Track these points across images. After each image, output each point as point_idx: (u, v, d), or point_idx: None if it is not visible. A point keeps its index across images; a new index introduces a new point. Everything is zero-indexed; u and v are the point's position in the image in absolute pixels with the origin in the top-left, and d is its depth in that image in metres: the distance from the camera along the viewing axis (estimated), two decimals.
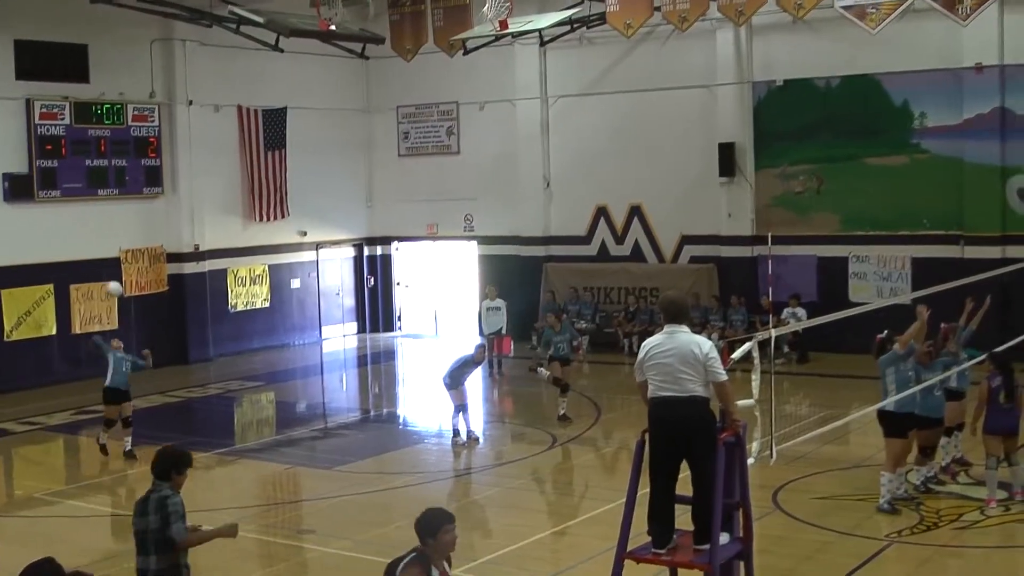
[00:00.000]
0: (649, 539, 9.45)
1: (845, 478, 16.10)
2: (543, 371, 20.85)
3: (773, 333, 15.08)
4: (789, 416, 18.44)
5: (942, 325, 15.85)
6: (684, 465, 9.44)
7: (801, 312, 25.54)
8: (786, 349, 25.68)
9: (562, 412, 20.54)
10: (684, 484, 9.47)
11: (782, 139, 27.88)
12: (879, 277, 26.74)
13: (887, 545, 13.31)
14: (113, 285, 22.90)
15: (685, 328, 9.58)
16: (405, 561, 7.66)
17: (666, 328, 9.61)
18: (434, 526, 7.76)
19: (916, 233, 26.43)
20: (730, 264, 28.26)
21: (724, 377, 9.39)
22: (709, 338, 9.89)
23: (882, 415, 14.46)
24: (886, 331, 15.21)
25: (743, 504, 9.58)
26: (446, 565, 7.86)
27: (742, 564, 9.63)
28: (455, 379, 19.20)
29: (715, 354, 9.45)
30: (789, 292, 26.71)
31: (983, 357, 15.69)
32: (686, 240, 29.03)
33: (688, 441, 9.35)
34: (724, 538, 9.31)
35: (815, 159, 27.61)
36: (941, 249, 25.78)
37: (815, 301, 26.20)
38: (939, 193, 26.10)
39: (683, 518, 9.53)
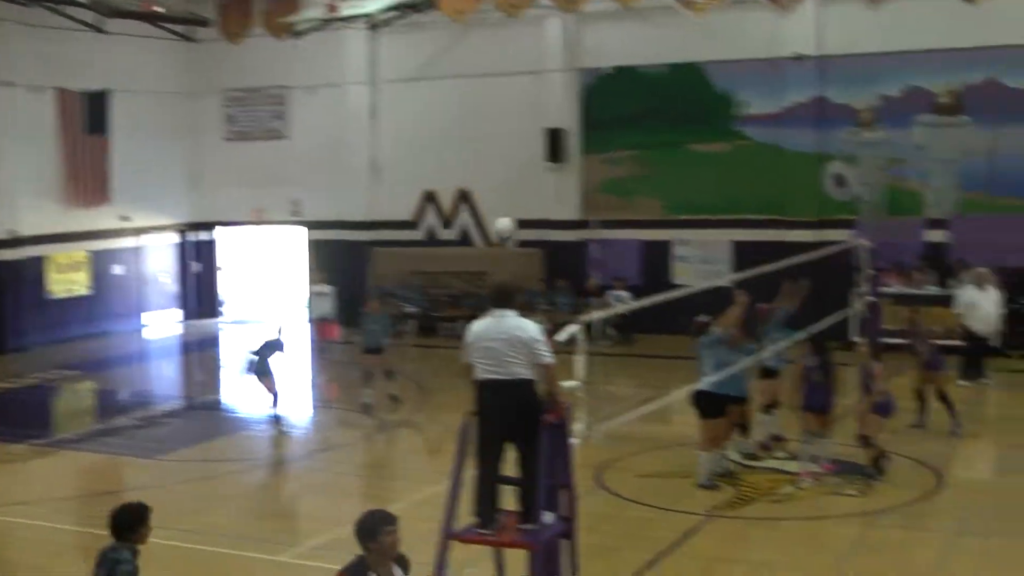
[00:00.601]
0: (475, 520, 9.52)
1: (667, 457, 16.47)
2: (367, 399, 20.27)
3: (598, 316, 15.38)
4: (613, 397, 18.75)
5: (760, 306, 16.30)
6: (512, 447, 9.54)
7: (625, 295, 25.95)
8: (611, 331, 26.09)
9: (389, 394, 20.47)
10: (511, 465, 9.57)
11: (609, 125, 28.28)
12: (701, 260, 27.36)
13: (706, 519, 13.67)
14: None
15: (512, 312, 9.67)
16: (340, 570, 7.29)
17: (493, 312, 9.68)
18: (373, 529, 7.32)
19: (737, 218, 27.11)
20: (557, 248, 28.56)
21: (550, 359, 9.50)
22: (536, 321, 9.97)
23: (699, 396, 14.82)
24: (703, 315, 15.63)
25: (567, 484, 9.71)
26: (396, 568, 7.43)
27: (567, 542, 9.76)
28: (257, 365, 18.95)
29: (541, 337, 9.56)
30: (614, 275, 27.15)
31: (800, 338, 16.18)
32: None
33: (513, 423, 9.46)
34: (549, 517, 9.44)
35: (641, 145, 28.08)
36: (761, 233, 26.46)
37: (639, 284, 26.64)
38: (759, 179, 26.81)
39: (511, 500, 9.62)
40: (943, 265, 24.97)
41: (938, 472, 15.53)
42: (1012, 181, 25.05)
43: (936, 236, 25.62)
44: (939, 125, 25.64)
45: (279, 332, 19.39)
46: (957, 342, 21.57)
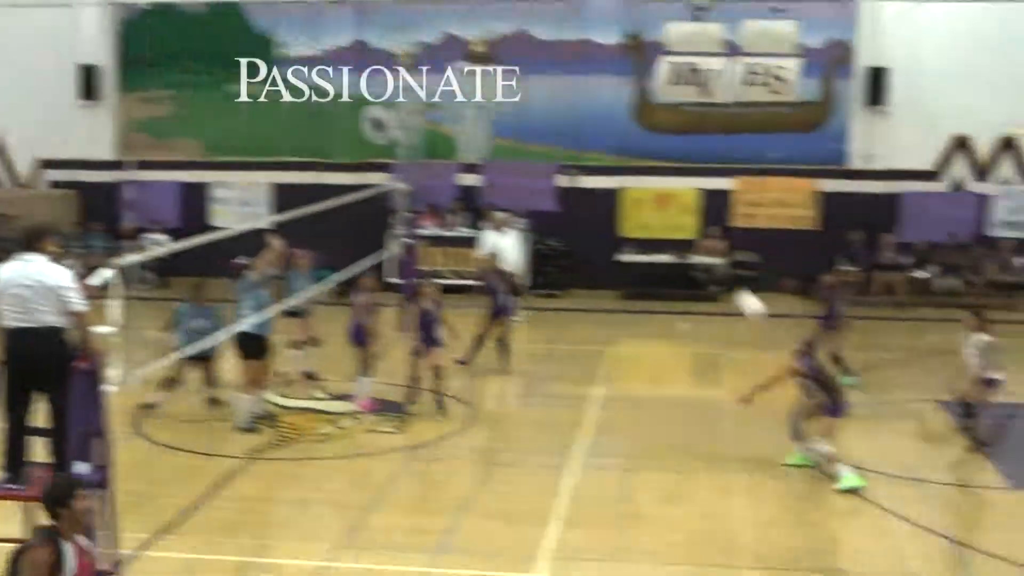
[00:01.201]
0: (3, 475, 9.10)
1: (207, 401, 16.32)
2: None
3: (133, 259, 14.96)
4: (151, 342, 18.31)
5: (294, 250, 16.47)
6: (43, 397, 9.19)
7: (163, 237, 25.36)
8: (148, 275, 25.43)
9: None
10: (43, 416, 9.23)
11: (147, 64, 27.45)
12: (240, 203, 27.14)
13: (247, 462, 13.67)
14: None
15: (40, 256, 9.24)
16: (27, 544, 6.69)
17: (20, 256, 9.23)
18: (64, 494, 6.77)
19: (276, 160, 27.05)
20: (91, 189, 27.48)
21: (82, 306, 9.16)
22: (69, 266, 9.58)
23: (241, 337, 14.78)
24: (242, 257, 15.62)
25: (100, 432, 9.43)
26: (82, 539, 6.89)
27: (102, 492, 9.50)
28: None
29: (70, 283, 9.19)
30: (152, 217, 26.48)
31: (331, 281, 16.44)
32: (45, 165, 27.89)
33: (42, 372, 9.09)
34: (83, 468, 9.14)
35: (180, 85, 27.43)
36: (301, 176, 26.55)
37: (178, 227, 26.10)
38: (299, 122, 26.83)
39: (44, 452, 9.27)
40: (476, 208, 25.99)
41: (472, 407, 16.25)
42: (539, 129, 26.37)
43: (470, 180, 26.60)
44: (472, 72, 26.56)
45: None
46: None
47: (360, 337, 15.82)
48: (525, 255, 23.48)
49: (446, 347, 16.35)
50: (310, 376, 17.07)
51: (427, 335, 15.90)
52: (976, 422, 14.54)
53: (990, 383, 14.40)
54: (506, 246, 22.43)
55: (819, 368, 13.37)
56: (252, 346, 14.88)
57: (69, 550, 6.80)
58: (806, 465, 13.34)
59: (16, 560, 6.77)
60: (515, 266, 22.64)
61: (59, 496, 6.86)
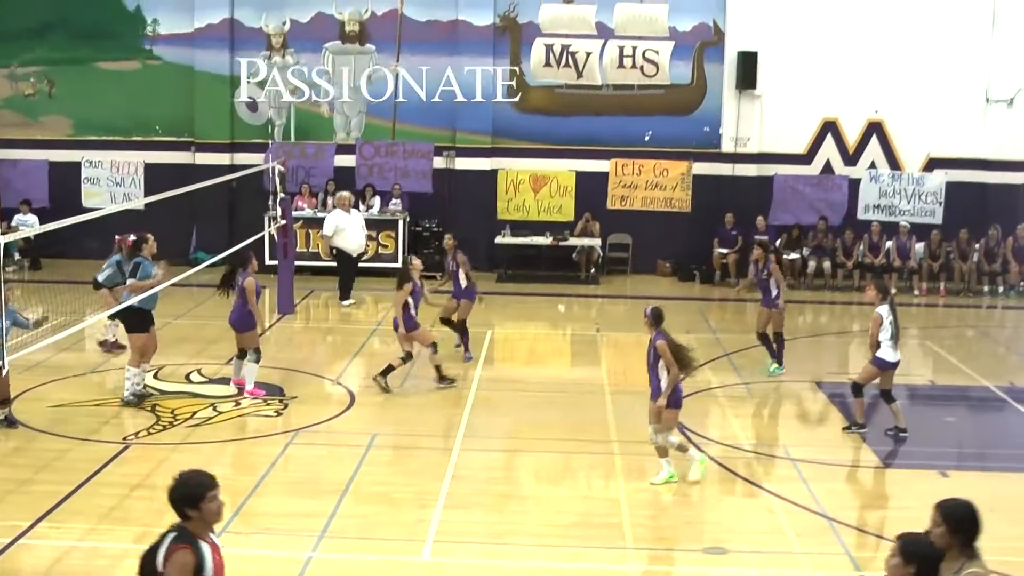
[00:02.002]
0: None
1: (82, 384, 15.93)
2: None
3: (2, 240, 14.48)
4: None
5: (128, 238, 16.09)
6: None
7: (32, 219, 24.72)
8: (17, 256, 24.73)
9: None
10: None
11: (11, 38, 26.61)
12: (112, 183, 26.56)
13: (126, 447, 13.36)
14: None
15: None
16: (166, 546, 6.30)
17: None
18: (197, 494, 6.39)
19: (149, 139, 26.51)
20: None
21: None
22: None
23: (128, 311, 14.68)
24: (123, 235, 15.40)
25: None
26: (213, 536, 6.52)
27: None
28: None
29: None
30: (20, 198, 25.77)
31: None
32: None
33: None
34: None
35: (46, 61, 26.73)
36: (174, 155, 26.07)
37: (47, 207, 25.43)
38: (172, 100, 26.34)
39: None
40: (352, 189, 25.73)
41: (351, 391, 16.10)
42: (414, 109, 26.22)
43: (345, 161, 26.33)
44: (345, 52, 26.30)
45: None
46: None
47: (246, 321, 15.47)
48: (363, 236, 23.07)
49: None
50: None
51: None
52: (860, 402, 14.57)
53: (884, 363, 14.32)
54: (348, 225, 22.28)
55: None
56: (139, 320, 14.81)
57: (206, 549, 6.46)
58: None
59: (148, 561, 6.40)
60: (358, 246, 22.51)
61: (191, 497, 6.49)
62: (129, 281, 15.15)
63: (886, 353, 14.20)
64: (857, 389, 14.46)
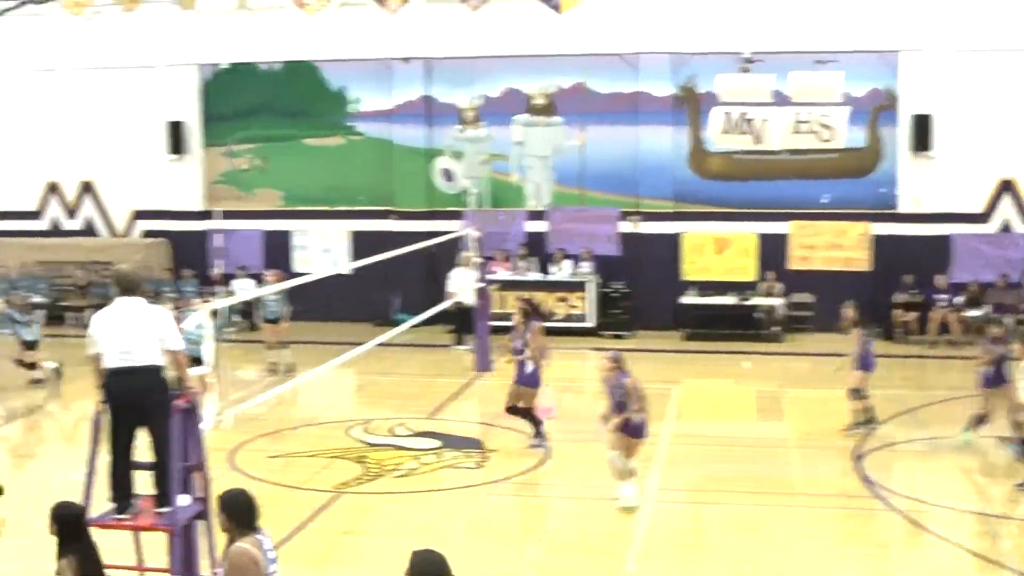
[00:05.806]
0: (112, 506, 8.99)
1: (294, 437, 16.18)
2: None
3: (223, 303, 14.93)
4: (242, 381, 18.27)
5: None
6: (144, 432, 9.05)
7: (249, 283, 25.40)
8: (236, 318, 25.45)
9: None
10: (145, 450, 9.08)
11: (228, 119, 27.59)
12: (320, 249, 27.16)
13: (335, 496, 13.47)
14: None
15: (139, 299, 9.17)
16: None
17: (120, 300, 9.15)
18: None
19: (352, 208, 27.06)
20: (181, 238, 27.63)
21: (178, 346, 9.08)
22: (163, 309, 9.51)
23: None
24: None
25: (200, 466, 9.31)
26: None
27: (204, 523, 9.36)
28: None
29: (170, 323, 9.12)
30: (238, 264, 26.54)
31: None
32: (139, 215, 28.10)
33: (144, 409, 8.98)
34: (184, 500, 9.02)
35: (259, 139, 27.59)
36: (375, 223, 26.53)
37: (262, 273, 26.11)
38: (372, 172, 26.88)
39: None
40: (542, 253, 25.85)
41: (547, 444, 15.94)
42: (599, 176, 26.19)
43: (536, 226, 26.42)
44: (534, 124, 26.48)
45: None
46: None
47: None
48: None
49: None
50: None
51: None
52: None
53: None
54: (465, 282, 22.32)
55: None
56: None
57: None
58: None
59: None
60: (471, 299, 22.31)
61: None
62: None
63: None
64: None
